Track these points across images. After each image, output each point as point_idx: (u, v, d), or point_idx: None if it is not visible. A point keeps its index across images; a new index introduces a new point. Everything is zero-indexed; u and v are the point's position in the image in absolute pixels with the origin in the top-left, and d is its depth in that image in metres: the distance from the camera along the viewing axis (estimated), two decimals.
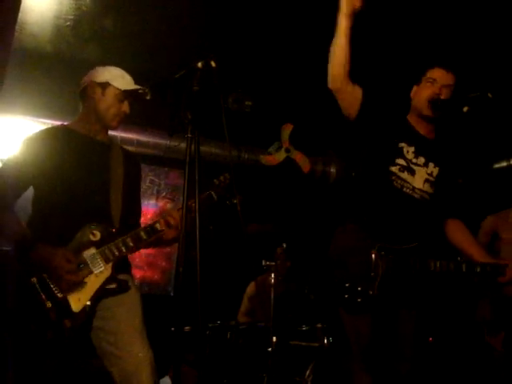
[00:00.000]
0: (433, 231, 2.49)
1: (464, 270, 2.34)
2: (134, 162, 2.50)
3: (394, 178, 2.39)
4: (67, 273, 2.06)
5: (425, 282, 2.36)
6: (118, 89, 2.32)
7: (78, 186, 2.22)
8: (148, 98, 2.40)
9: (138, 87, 2.37)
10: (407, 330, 2.40)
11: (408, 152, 2.43)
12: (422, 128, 2.51)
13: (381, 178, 2.40)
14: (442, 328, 4.45)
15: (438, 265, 2.31)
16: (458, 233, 2.51)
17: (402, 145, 2.43)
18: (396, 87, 4.17)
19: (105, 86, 2.33)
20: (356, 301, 2.25)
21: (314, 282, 2.49)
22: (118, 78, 2.34)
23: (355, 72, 2.41)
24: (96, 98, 2.32)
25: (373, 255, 2.24)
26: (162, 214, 2.29)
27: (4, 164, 2.24)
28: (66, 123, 2.43)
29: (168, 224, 2.24)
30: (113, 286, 2.16)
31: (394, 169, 2.40)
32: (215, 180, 2.40)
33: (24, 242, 2.10)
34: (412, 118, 2.54)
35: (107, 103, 2.32)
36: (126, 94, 2.35)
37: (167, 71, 2.30)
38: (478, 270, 2.35)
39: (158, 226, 2.25)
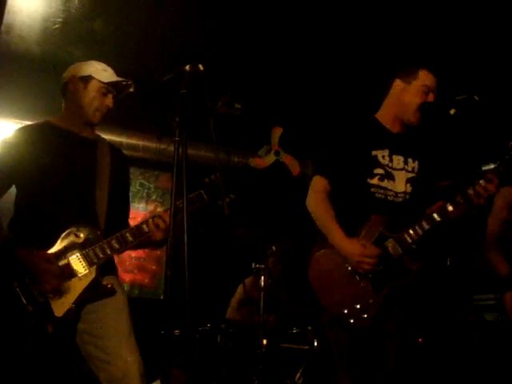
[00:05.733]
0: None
1: (438, 218, 2.28)
2: (121, 158, 2.44)
3: (374, 189, 2.37)
4: (48, 274, 2.02)
5: (411, 260, 2.31)
6: (100, 82, 2.27)
7: (61, 185, 2.16)
8: (132, 90, 2.35)
9: (121, 79, 2.32)
10: (391, 329, 2.40)
11: (384, 157, 2.40)
12: (395, 126, 2.47)
13: (361, 193, 2.37)
14: (432, 328, 4.47)
15: (412, 231, 2.28)
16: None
17: (376, 153, 2.40)
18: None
19: (87, 79, 2.27)
20: (354, 324, 2.24)
21: (302, 286, 2.46)
22: (100, 72, 2.29)
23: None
24: (78, 93, 2.27)
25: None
26: (151, 214, 2.21)
27: None
28: (49, 119, 2.35)
29: (157, 225, 2.17)
30: (97, 289, 2.11)
31: (373, 181, 2.37)
32: (206, 179, 2.33)
33: (5, 245, 2.06)
34: (386, 115, 2.49)
35: (89, 97, 2.26)
36: (110, 88, 2.29)
37: (156, 74, 2.30)
38: (450, 208, 2.28)
39: (144, 227, 2.19)
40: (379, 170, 2.39)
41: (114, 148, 2.43)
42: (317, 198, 2.40)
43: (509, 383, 3.41)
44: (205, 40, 3.96)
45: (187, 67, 1.94)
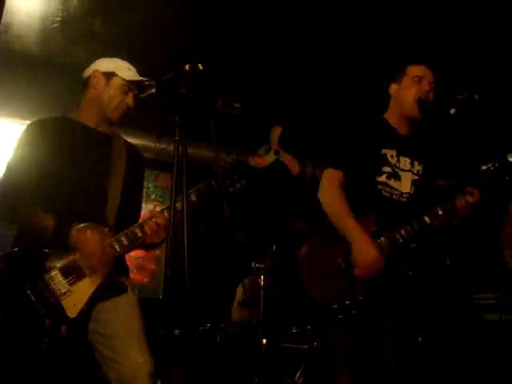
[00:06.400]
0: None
1: (428, 221, 2.30)
2: (137, 156, 2.41)
3: (381, 187, 2.38)
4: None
5: (403, 260, 2.32)
6: (123, 79, 2.26)
7: (72, 181, 2.12)
8: (153, 91, 2.33)
9: (144, 79, 2.30)
10: (391, 327, 2.40)
11: (392, 156, 2.42)
12: (402, 128, 2.49)
13: (368, 189, 2.37)
14: (431, 328, 4.47)
15: (404, 231, 2.29)
16: None
17: (385, 151, 2.41)
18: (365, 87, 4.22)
19: (110, 75, 2.26)
20: (343, 320, 2.24)
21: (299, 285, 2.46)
22: (124, 69, 2.28)
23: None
24: (99, 88, 2.25)
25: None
26: (150, 214, 2.14)
27: (8, 168, 2.12)
28: (67, 114, 2.32)
29: (158, 225, 2.10)
30: (109, 288, 2.07)
31: (381, 178, 2.38)
32: (214, 166, 2.27)
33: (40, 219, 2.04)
34: (392, 118, 2.52)
35: (110, 93, 2.25)
36: (132, 86, 2.28)
37: (156, 73, 2.29)
38: (440, 212, 2.31)
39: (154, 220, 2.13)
40: (387, 169, 2.40)
41: (132, 148, 2.40)
42: (332, 193, 2.34)
43: (509, 383, 3.42)
44: (205, 40, 3.95)
45: (187, 67, 1.94)
